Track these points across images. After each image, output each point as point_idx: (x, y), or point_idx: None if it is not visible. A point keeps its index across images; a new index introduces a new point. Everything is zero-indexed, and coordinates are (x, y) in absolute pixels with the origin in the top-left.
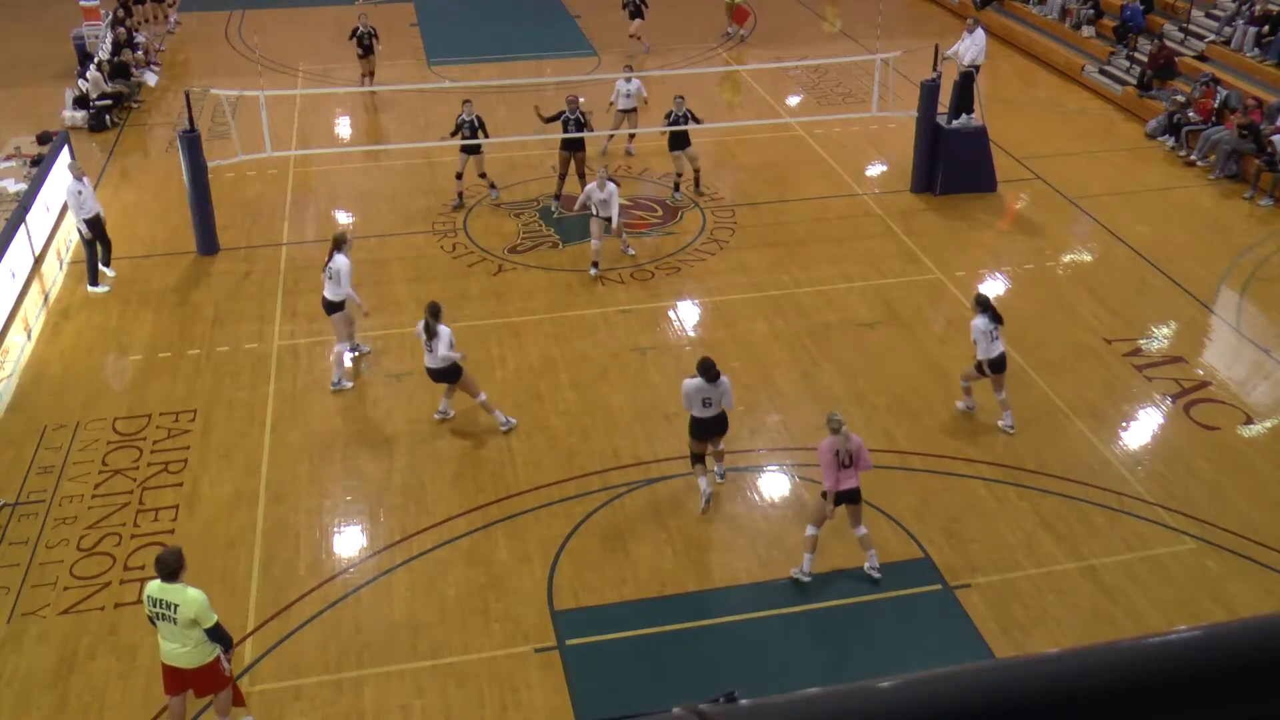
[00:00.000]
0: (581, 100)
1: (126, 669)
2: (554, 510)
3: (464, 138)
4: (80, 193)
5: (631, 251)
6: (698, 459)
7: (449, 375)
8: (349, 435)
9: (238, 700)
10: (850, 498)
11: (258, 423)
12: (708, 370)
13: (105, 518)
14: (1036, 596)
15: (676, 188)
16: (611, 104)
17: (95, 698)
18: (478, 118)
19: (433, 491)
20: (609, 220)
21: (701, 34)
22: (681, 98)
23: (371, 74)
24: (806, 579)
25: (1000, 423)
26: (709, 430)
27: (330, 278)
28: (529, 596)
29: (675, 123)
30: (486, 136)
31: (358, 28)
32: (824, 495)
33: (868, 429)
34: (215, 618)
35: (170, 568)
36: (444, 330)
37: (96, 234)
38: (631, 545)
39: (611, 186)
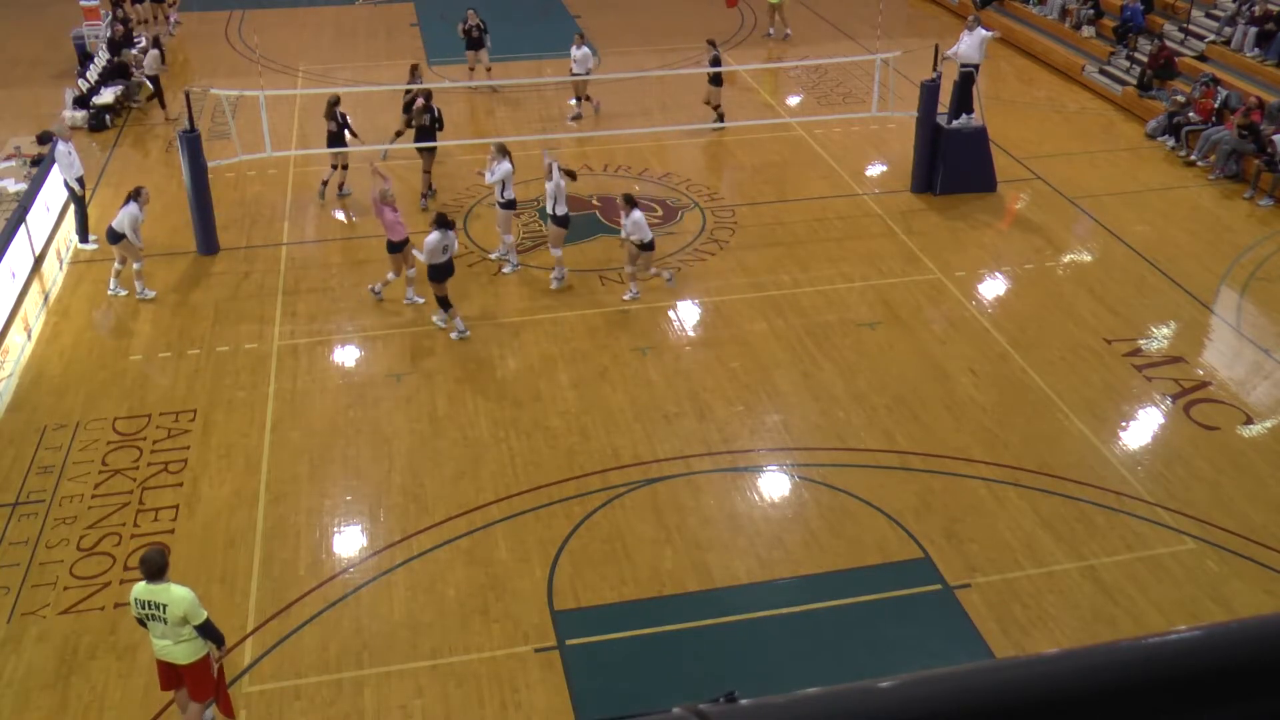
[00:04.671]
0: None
1: (126, 669)
2: (554, 510)
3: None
4: (70, 153)
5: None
6: (447, 302)
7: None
8: (349, 435)
9: (226, 709)
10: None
11: (258, 423)
12: (442, 220)
13: (105, 518)
14: (1036, 596)
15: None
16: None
17: (95, 698)
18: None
19: (433, 491)
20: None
21: (701, 34)
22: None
23: (487, 69)
24: None
25: (663, 275)
26: (447, 273)
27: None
28: (529, 596)
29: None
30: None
31: (464, 23)
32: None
33: (868, 429)
34: (205, 614)
35: (155, 567)
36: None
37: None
38: (631, 545)
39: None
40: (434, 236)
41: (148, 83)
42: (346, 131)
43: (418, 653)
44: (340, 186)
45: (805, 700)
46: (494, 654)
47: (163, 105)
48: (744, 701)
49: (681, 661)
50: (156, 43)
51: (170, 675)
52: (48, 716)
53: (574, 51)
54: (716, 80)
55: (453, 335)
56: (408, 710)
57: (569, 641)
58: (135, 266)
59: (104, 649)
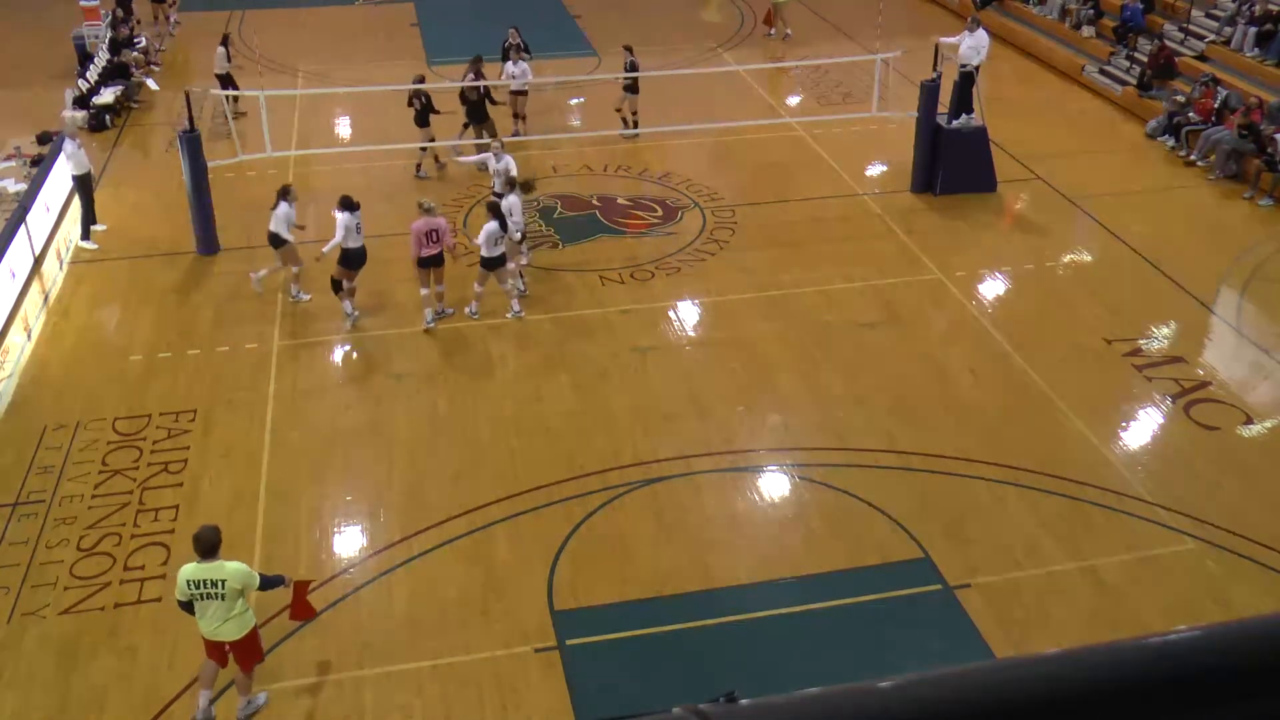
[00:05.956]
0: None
1: (126, 669)
2: (554, 510)
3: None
4: (78, 149)
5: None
6: (340, 287)
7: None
8: (349, 435)
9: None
10: (434, 262)
11: (258, 423)
12: (348, 202)
13: (105, 518)
14: (1036, 596)
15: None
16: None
17: (95, 698)
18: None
19: (433, 491)
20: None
21: (701, 34)
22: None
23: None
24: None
25: (512, 306)
26: (359, 261)
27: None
28: (529, 596)
29: None
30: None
31: (505, 41)
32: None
33: (868, 429)
34: (258, 576)
35: (209, 545)
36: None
37: (90, 189)
38: (631, 545)
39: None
40: (345, 217)
41: (217, 81)
42: (430, 111)
43: (418, 653)
44: (452, 154)
45: (805, 700)
46: (494, 654)
47: (234, 101)
48: (744, 701)
49: (681, 661)
50: (225, 41)
51: (218, 650)
52: (48, 717)
53: (510, 68)
54: (633, 88)
55: (347, 325)
56: (408, 710)
57: (569, 641)
58: (294, 270)
59: (104, 649)
